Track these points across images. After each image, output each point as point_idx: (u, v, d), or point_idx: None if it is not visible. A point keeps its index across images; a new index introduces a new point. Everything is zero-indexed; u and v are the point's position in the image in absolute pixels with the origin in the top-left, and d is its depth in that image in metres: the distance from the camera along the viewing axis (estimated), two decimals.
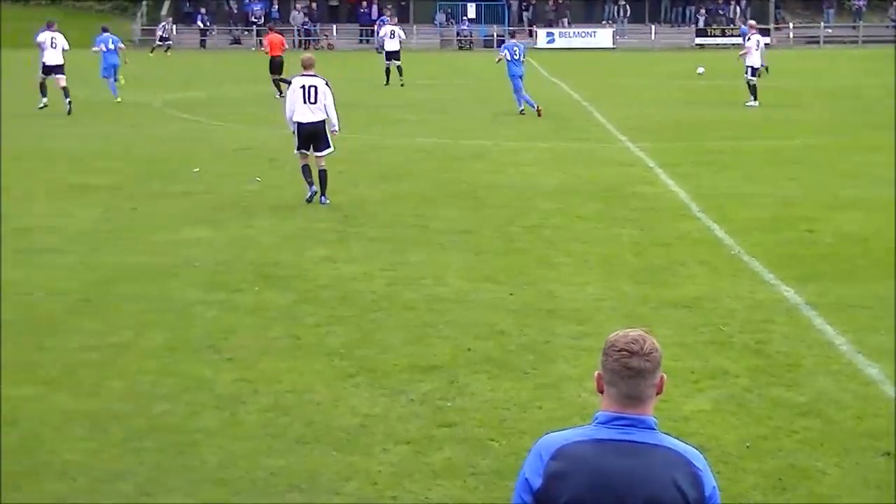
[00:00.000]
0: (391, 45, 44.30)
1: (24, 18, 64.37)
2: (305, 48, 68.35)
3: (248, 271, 14.25)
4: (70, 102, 31.67)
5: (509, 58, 32.78)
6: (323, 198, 18.81)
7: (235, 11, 73.51)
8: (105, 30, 36.06)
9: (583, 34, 72.27)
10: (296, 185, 20.29)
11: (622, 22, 73.90)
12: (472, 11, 73.31)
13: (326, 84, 18.60)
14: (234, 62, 56.31)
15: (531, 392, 9.87)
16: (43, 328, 11.86)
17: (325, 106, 18.54)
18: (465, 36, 72.53)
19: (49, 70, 32.24)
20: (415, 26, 72.68)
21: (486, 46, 68.43)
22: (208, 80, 45.31)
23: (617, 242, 15.92)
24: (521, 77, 32.78)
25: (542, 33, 72.02)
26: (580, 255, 15.08)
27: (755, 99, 34.45)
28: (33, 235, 16.33)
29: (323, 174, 18.90)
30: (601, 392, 4.26)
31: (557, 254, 15.21)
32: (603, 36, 72.06)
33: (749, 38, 36.17)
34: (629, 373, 4.16)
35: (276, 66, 37.99)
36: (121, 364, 10.70)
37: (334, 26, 72.73)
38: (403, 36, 46.44)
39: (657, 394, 4.23)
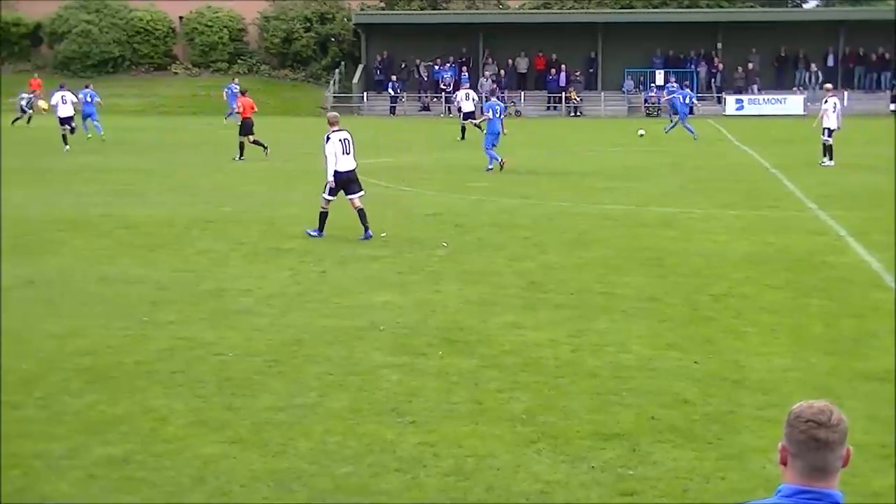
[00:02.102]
0: (467, 107, 50.07)
1: (222, 87, 66.39)
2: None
3: (432, 335, 14.38)
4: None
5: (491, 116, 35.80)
6: (368, 233, 21.78)
7: (426, 79, 74.62)
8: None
9: (772, 101, 71.35)
10: (483, 250, 20.47)
11: (813, 88, 72.75)
12: (660, 78, 73.05)
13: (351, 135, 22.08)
14: (423, 129, 57.09)
15: (714, 462, 9.72)
16: (234, 388, 12.13)
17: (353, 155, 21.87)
18: (653, 103, 72.27)
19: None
20: (602, 93, 72.78)
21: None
22: (398, 146, 46.02)
23: (806, 312, 15.61)
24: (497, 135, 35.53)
25: (730, 100, 71.37)
26: (768, 325, 14.82)
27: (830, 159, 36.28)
28: (227, 297, 16.77)
29: (362, 212, 21.85)
30: (784, 464, 4.18)
31: (745, 323, 14.98)
32: (793, 102, 70.97)
33: (826, 101, 37.64)
34: (816, 444, 4.08)
35: (247, 128, 39.58)
36: (306, 424, 10.89)
37: (522, 93, 73.23)
38: (476, 98, 52.62)
39: (842, 467, 4.14)
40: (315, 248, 20.93)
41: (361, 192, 22.22)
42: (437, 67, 74.77)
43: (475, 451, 10.10)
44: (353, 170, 22.07)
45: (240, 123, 40.10)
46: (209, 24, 76.06)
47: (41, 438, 10.51)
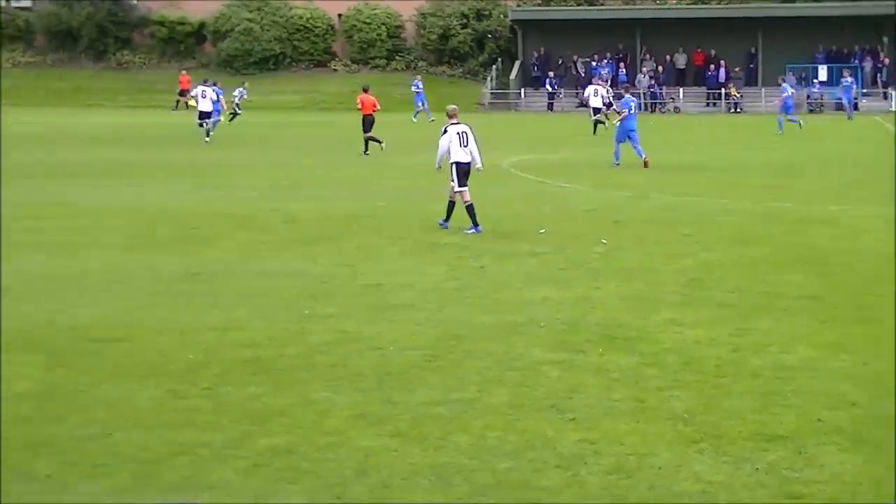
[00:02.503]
0: (595, 102, 52.04)
1: (390, 84, 67.03)
2: (651, 111, 68.48)
3: (592, 332, 14.29)
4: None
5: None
6: (478, 228, 22.08)
7: (582, 75, 74.30)
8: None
9: None
10: (642, 247, 20.30)
11: None
12: (822, 73, 71.62)
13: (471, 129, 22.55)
14: (579, 125, 56.82)
15: (886, 468, 9.47)
16: (393, 381, 12.21)
17: (474, 148, 22.35)
18: (816, 99, 70.86)
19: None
20: (763, 89, 71.60)
21: (837, 109, 66.66)
22: (554, 142, 45.88)
23: None
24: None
25: None
26: None
27: None
28: (386, 291, 16.89)
29: (470, 207, 22.18)
30: None
31: None
32: None
33: None
34: None
35: (367, 125, 40.31)
36: (466, 420, 10.90)
37: (681, 90, 72.46)
38: (604, 94, 53.80)
39: None
40: (473, 244, 20.96)
41: (467, 187, 22.41)
42: (594, 63, 74.38)
43: (636, 449, 10.00)
44: (469, 163, 22.40)
45: (361, 120, 40.91)
46: (367, 21, 76.83)
47: (207, 428, 10.70)
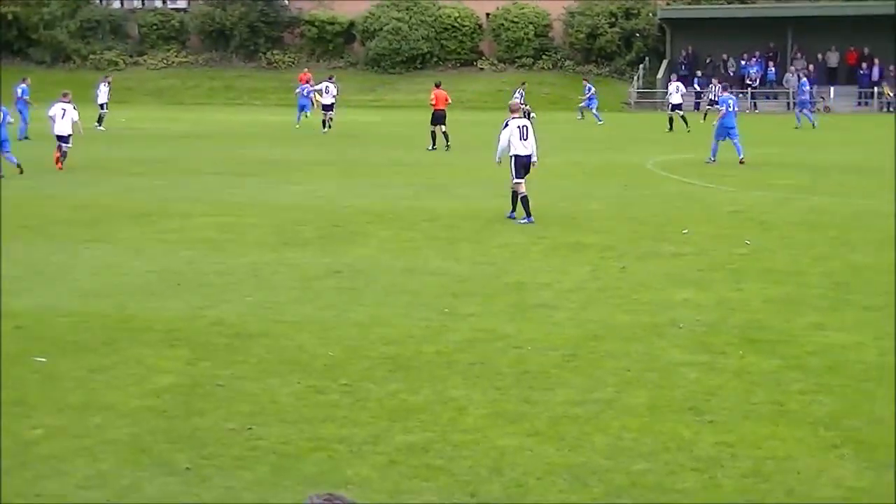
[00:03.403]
0: (676, 99, 53.95)
1: (536, 83, 66.95)
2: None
3: (733, 334, 14.11)
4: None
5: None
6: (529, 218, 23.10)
7: (731, 74, 73.32)
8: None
9: None
10: (787, 249, 19.99)
11: None
12: None
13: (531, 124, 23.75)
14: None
15: None
16: (531, 380, 12.21)
17: (533, 143, 23.45)
18: None
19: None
20: None
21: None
22: (699, 141, 45.37)
23: None
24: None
25: None
26: None
27: None
28: (527, 290, 16.89)
29: (525, 199, 23.23)
30: None
31: None
32: None
33: None
34: None
35: (437, 119, 41.63)
36: (603, 420, 10.86)
37: (832, 88, 71.07)
38: (684, 90, 56.08)
39: None
40: (616, 244, 20.84)
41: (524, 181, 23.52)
42: (743, 62, 73.36)
43: (774, 453, 9.86)
44: (529, 156, 23.42)
45: (431, 114, 42.07)
46: (515, 20, 76.84)
47: (345, 423, 10.82)
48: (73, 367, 12.86)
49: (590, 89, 60.74)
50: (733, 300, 16.12)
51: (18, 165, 31.74)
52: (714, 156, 36.33)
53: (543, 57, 77.26)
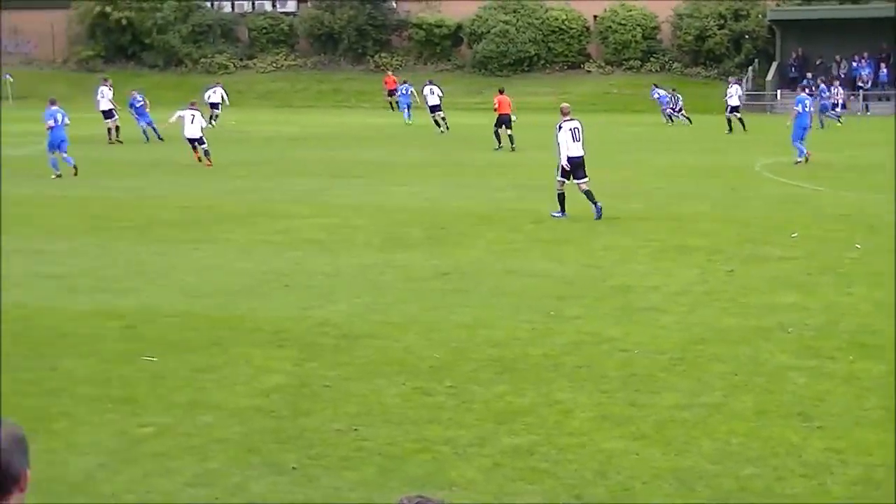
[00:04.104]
0: (734, 101, 52.83)
1: (644, 85, 66.60)
2: None
3: (842, 339, 13.90)
4: None
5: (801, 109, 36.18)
6: (597, 208, 23.96)
7: (842, 75, 72.21)
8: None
9: None
10: None
11: None
12: None
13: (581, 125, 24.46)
14: (838, 127, 55.21)
15: None
16: (638, 384, 12.13)
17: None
18: None
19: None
20: None
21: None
22: (810, 144, 44.72)
23: None
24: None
25: None
26: None
27: None
28: (634, 293, 16.79)
29: (589, 193, 24.06)
30: None
31: None
32: None
33: None
34: None
35: (500, 122, 42.37)
36: (710, 424, 10.75)
37: None
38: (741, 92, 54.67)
39: None
40: (723, 247, 20.62)
41: (586, 179, 24.30)
42: (854, 64, 72.18)
43: (885, 460, 9.69)
44: (582, 156, 24.20)
45: (496, 118, 42.98)
46: (623, 22, 76.40)
47: (450, 425, 10.85)
48: (181, 366, 13.05)
49: (657, 93, 60.15)
50: (842, 304, 15.87)
51: (74, 167, 32.79)
52: (801, 156, 36.15)
53: (651, 59, 76.70)
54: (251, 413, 11.34)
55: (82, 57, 79.78)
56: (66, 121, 33.66)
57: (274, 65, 79.92)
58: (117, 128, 44.92)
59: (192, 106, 37.75)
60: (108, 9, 78.06)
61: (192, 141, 36.92)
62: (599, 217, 23.87)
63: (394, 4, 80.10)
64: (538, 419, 11.01)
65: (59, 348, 13.82)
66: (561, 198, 24.38)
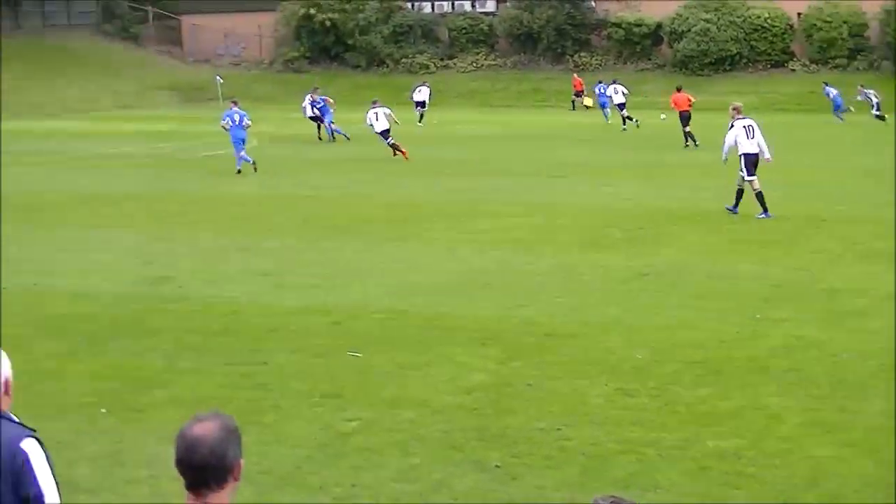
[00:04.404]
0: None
1: (849, 84, 64.96)
2: None
3: None
4: None
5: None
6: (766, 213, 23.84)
7: None
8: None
9: None
10: None
11: None
12: None
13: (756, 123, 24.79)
14: None
15: None
16: (847, 390, 11.86)
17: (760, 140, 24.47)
18: None
19: None
20: None
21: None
22: None
23: None
24: None
25: None
26: None
27: None
28: (841, 297, 16.40)
29: (760, 194, 23.96)
30: None
31: None
32: None
33: None
34: None
35: (685, 120, 42.37)
36: None
37: None
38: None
39: None
40: None
41: (755, 178, 24.28)
42: None
43: None
44: (757, 154, 24.35)
45: (679, 116, 43.11)
46: (828, 19, 74.61)
47: (654, 427, 10.78)
48: (386, 362, 13.24)
49: (829, 92, 58.70)
50: None
51: (253, 164, 33.64)
52: None
53: (858, 57, 74.72)
54: (454, 410, 11.44)
55: (288, 58, 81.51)
56: (246, 121, 34.65)
57: (474, 64, 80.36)
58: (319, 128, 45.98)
59: (375, 104, 39.26)
60: (312, 11, 79.55)
61: (382, 134, 38.30)
62: (765, 216, 23.87)
63: (593, 4, 79.75)
64: (744, 423, 10.86)
65: (269, 343, 14.18)
66: (759, 196, 24.09)
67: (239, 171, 33.45)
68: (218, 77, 71.79)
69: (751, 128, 24.63)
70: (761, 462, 9.76)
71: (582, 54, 79.03)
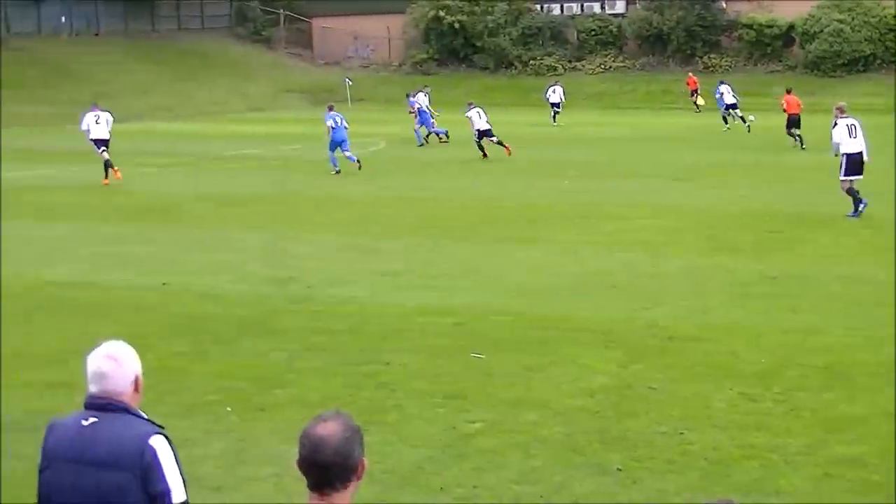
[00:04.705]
0: None
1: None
2: None
3: None
4: None
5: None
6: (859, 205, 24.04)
7: None
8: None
9: None
10: None
11: None
12: None
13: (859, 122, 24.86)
14: None
15: None
16: None
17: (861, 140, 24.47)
18: None
19: None
20: None
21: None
22: None
23: None
24: None
25: None
26: None
27: None
28: None
29: (851, 191, 24.19)
30: None
31: None
32: None
33: None
34: None
35: (792, 123, 42.24)
36: None
37: None
38: None
39: None
40: None
41: (859, 177, 24.41)
42: None
43: None
44: (860, 153, 24.41)
45: (787, 119, 42.57)
46: None
47: (778, 432, 10.65)
48: (509, 364, 13.26)
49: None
50: None
51: (358, 162, 34.72)
52: None
53: None
54: (576, 413, 11.43)
55: (416, 60, 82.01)
56: (345, 123, 35.79)
57: (602, 66, 79.98)
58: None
59: (472, 106, 40.04)
60: (441, 13, 79.92)
61: (483, 133, 39.10)
62: (856, 215, 24.05)
63: (723, 5, 78.87)
64: (870, 429, 10.68)
65: (392, 343, 14.29)
66: (852, 191, 24.38)
67: (338, 171, 34.39)
68: (347, 79, 72.54)
69: (853, 127, 24.73)
70: (888, 470, 9.58)
71: (712, 56, 78.20)
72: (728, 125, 50.35)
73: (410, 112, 46.24)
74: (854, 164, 24.42)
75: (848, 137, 24.52)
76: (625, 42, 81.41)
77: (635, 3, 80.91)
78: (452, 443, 10.65)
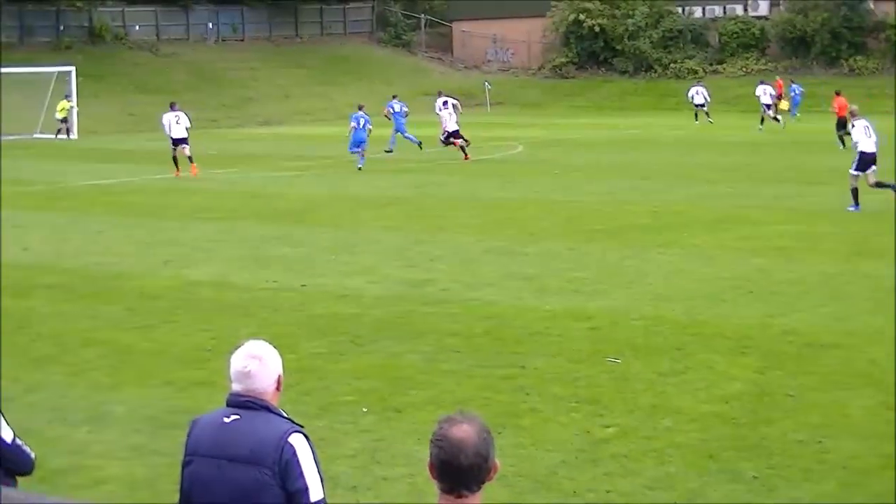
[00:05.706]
0: None
1: None
2: None
3: None
4: None
5: None
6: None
7: None
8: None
9: None
10: None
11: None
12: None
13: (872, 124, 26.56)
14: None
15: None
16: None
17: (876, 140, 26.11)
18: None
19: None
20: None
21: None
22: None
23: None
24: None
25: None
26: None
27: None
28: None
29: (879, 184, 25.99)
30: None
31: None
32: None
33: None
34: None
35: (840, 124, 42.24)
36: None
37: None
38: None
39: None
40: None
41: (874, 168, 25.92)
42: None
43: None
44: (874, 153, 25.94)
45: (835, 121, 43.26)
46: None
47: None
48: (644, 369, 13.22)
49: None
50: None
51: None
52: None
53: None
54: (711, 419, 11.35)
55: (556, 64, 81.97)
56: (369, 126, 37.97)
57: (744, 69, 79.00)
58: None
59: (445, 101, 42.85)
60: (581, 17, 79.73)
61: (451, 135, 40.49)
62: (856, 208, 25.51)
63: (871, 5, 77.32)
64: None
65: (528, 347, 14.33)
66: (854, 192, 25.80)
67: (360, 169, 36.68)
68: (487, 83, 72.77)
69: (868, 128, 26.34)
70: None
71: (857, 58, 76.70)
72: (762, 126, 52.93)
73: (385, 115, 46.05)
74: (865, 161, 25.95)
75: (865, 137, 26.12)
76: (767, 45, 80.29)
77: (779, 5, 79.74)
78: (586, 447, 10.66)
